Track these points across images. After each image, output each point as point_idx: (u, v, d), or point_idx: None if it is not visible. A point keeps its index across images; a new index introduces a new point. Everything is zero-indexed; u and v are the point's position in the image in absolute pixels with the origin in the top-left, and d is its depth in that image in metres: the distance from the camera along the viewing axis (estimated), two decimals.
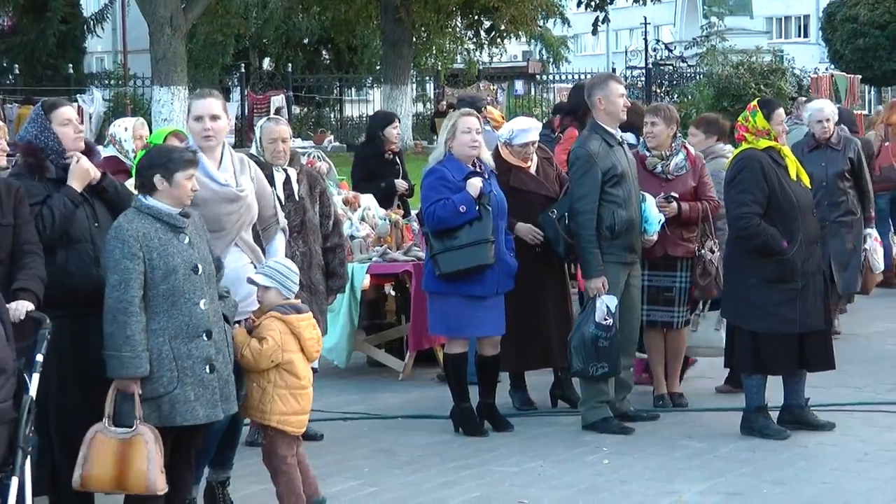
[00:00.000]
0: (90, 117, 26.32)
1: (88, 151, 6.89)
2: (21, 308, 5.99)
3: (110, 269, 6.28)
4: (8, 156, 7.73)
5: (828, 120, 11.73)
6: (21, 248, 6.28)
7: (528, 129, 9.49)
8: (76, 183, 6.57)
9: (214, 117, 7.21)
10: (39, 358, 5.86)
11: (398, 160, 12.78)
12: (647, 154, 9.53)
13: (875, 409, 9.22)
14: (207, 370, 6.43)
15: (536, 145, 9.54)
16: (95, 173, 6.67)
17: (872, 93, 43.39)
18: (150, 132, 9.83)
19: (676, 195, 9.38)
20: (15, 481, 5.48)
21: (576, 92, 11.62)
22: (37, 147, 6.67)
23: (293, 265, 7.16)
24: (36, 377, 5.83)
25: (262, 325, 6.86)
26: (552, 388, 9.75)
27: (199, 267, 6.47)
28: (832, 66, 45.25)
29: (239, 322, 7.01)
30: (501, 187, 9.06)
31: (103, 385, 6.29)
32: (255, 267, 7.25)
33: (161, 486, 6.27)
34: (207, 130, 7.19)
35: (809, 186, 8.94)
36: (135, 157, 7.86)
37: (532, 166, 9.48)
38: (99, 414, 6.29)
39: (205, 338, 6.45)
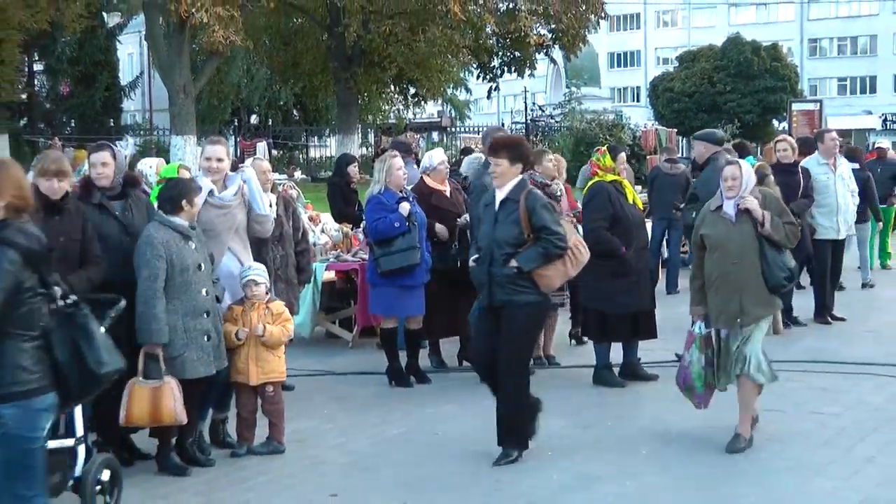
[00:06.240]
0: (125, 158, 26.03)
1: (134, 182, 6.94)
2: None
3: (142, 266, 6.31)
4: None
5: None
6: (88, 257, 6.20)
7: (435, 154, 9.72)
8: None
9: (219, 160, 7.28)
10: None
11: (356, 191, 12.63)
12: (549, 182, 9.45)
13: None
14: (206, 339, 6.50)
15: (448, 171, 9.72)
16: None
17: (684, 142, 43.92)
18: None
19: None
20: (78, 409, 5.50)
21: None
22: (90, 180, 6.72)
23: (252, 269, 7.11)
24: None
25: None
26: (459, 352, 9.75)
27: (202, 265, 6.52)
28: (656, 123, 45.59)
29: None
30: (425, 205, 9.14)
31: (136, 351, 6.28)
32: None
33: (185, 418, 6.37)
34: (214, 169, 7.25)
35: (641, 208, 8.98)
36: (152, 188, 7.76)
37: (447, 191, 9.50)
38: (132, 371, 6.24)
39: (205, 316, 6.51)
